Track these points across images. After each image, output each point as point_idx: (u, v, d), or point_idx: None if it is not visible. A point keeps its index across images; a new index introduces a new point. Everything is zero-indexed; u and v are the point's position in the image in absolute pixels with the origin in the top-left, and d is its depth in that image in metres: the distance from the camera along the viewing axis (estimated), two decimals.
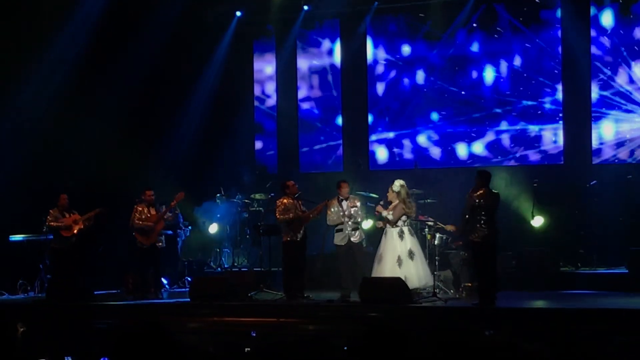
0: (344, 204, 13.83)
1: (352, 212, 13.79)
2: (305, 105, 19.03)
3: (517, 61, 17.22)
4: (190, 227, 17.31)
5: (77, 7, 16.69)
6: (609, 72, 16.55)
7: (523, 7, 17.03)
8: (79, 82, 16.76)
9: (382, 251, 13.44)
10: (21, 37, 16.08)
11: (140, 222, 14.54)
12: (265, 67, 19.38)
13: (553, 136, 17.01)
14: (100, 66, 16.92)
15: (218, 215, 17.61)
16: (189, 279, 16.08)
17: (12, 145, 16.40)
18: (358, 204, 13.92)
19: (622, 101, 16.45)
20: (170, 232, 16.27)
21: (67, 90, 16.67)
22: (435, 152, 17.90)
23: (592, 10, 16.59)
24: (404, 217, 13.45)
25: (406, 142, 18.10)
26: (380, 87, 18.39)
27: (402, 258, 13.23)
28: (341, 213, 13.76)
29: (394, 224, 13.38)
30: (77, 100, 16.73)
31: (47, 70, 16.60)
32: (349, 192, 13.93)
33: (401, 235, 13.38)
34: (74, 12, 16.68)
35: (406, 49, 18.10)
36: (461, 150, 17.68)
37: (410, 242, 13.39)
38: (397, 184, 13.57)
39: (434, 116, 17.89)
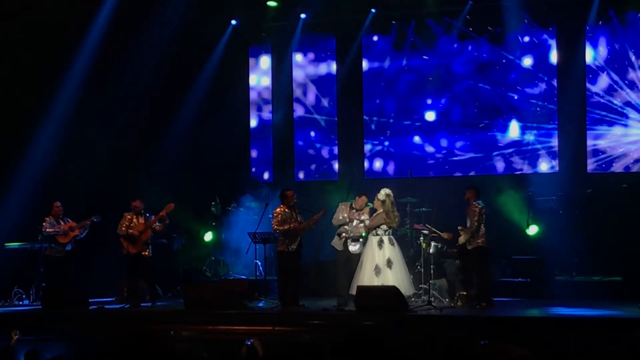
0: (353, 213, 13.91)
1: (354, 223, 13.84)
2: (300, 114, 19.04)
3: (513, 70, 17.28)
4: (185, 236, 17.30)
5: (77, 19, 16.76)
6: (605, 82, 16.61)
7: (518, 17, 17.09)
8: (72, 92, 16.80)
9: (362, 258, 13.51)
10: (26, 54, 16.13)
11: (125, 230, 14.58)
12: (261, 75, 19.39)
13: (548, 145, 17.04)
14: (92, 76, 16.94)
15: (213, 224, 17.60)
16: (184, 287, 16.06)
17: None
18: (364, 217, 13.93)
19: (618, 111, 16.49)
20: (164, 240, 16.27)
21: (61, 102, 16.71)
22: (431, 160, 17.92)
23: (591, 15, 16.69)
24: (384, 227, 13.51)
25: (402, 151, 18.12)
26: (376, 96, 18.40)
27: (380, 267, 13.29)
28: (347, 219, 13.84)
29: (369, 230, 13.46)
30: (69, 110, 16.77)
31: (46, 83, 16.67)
32: (362, 206, 13.97)
33: (380, 244, 13.44)
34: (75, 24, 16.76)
35: (404, 58, 18.12)
36: (457, 158, 17.70)
37: (389, 251, 13.42)
38: (383, 192, 13.64)
39: (430, 125, 17.92)
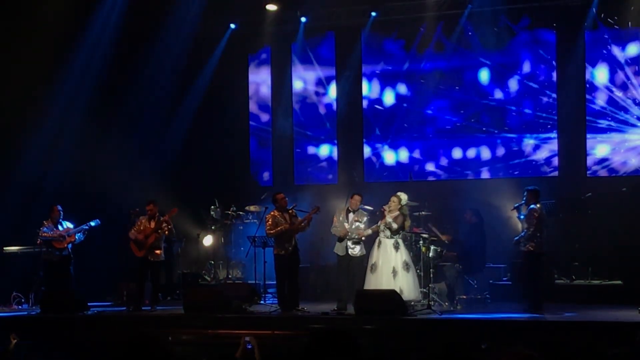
0: (350, 216, 13.88)
1: (354, 226, 13.81)
2: (300, 117, 19.02)
3: (514, 73, 17.26)
4: (184, 240, 17.31)
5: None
6: (604, 84, 16.61)
7: (520, 18, 17.09)
8: (72, 97, 16.83)
9: (375, 261, 13.47)
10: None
11: (135, 234, 14.60)
12: (261, 79, 19.38)
13: (548, 148, 17.03)
14: (94, 80, 16.95)
15: (212, 227, 17.60)
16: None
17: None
18: (364, 219, 13.91)
19: (617, 113, 16.49)
20: (164, 244, 16.24)
21: (60, 105, 16.74)
22: (430, 164, 17.90)
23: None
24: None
25: (401, 154, 18.11)
26: (375, 99, 18.39)
27: (397, 269, 13.28)
28: (345, 224, 13.80)
29: (394, 233, 13.42)
30: (69, 113, 16.78)
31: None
32: (358, 206, 13.94)
33: (397, 247, 13.44)
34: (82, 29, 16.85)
35: (402, 61, 18.11)
36: (455, 162, 17.69)
37: (405, 254, 13.45)
38: (404, 197, 13.65)
39: (429, 128, 17.92)
